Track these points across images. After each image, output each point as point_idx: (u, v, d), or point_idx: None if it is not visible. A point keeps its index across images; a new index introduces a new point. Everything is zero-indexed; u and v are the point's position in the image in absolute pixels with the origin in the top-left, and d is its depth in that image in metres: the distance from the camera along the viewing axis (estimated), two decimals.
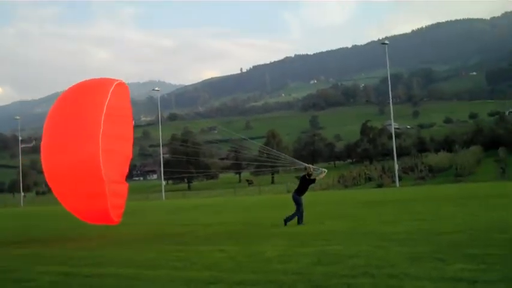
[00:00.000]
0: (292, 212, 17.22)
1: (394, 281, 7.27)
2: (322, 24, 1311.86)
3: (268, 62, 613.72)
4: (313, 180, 17.95)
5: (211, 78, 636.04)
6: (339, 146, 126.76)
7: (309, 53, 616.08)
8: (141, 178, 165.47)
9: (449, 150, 78.69)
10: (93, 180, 14.79)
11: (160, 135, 75.84)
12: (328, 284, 7.32)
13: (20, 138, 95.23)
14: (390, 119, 63.89)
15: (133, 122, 18.49)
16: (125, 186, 16.97)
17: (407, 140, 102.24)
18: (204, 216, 25.81)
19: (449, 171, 58.20)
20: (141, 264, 10.43)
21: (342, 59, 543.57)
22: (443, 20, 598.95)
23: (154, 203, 54.61)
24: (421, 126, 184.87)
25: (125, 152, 17.30)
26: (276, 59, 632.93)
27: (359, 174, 63.43)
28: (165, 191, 71.33)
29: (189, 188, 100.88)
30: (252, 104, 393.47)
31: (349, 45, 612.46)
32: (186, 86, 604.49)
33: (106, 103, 15.17)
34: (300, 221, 16.97)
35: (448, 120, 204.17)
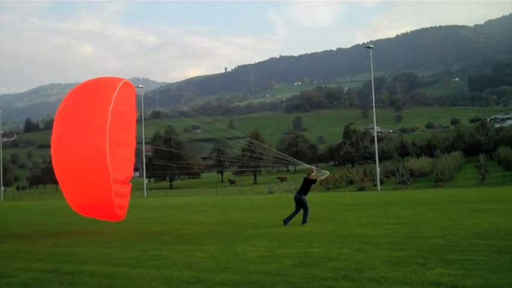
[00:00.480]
0: (291, 212, 17.41)
1: (374, 284, 7.31)
2: (308, 26, 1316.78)
3: (253, 62, 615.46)
4: (314, 181, 18.04)
5: (196, 77, 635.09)
6: (322, 148, 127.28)
7: (294, 55, 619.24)
8: None
9: (431, 155, 79.39)
10: (100, 174, 15.12)
11: (143, 132, 75.41)
12: (309, 287, 7.35)
13: (1, 132, 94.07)
14: (373, 123, 64.17)
15: (135, 126, 18.66)
16: (128, 186, 17.38)
17: (390, 144, 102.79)
18: (185, 215, 25.71)
19: (430, 176, 58.67)
20: (122, 262, 10.37)
21: (326, 62, 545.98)
22: (428, 26, 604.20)
23: (136, 201, 54.27)
24: (403, 131, 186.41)
25: (128, 156, 17.70)
26: (261, 60, 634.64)
27: (341, 177, 63.57)
28: (147, 189, 70.94)
29: (171, 186, 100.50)
30: (236, 104, 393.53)
31: (334, 48, 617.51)
32: (170, 84, 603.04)
33: (110, 110, 15.36)
34: (304, 220, 17.18)
35: (430, 125, 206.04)
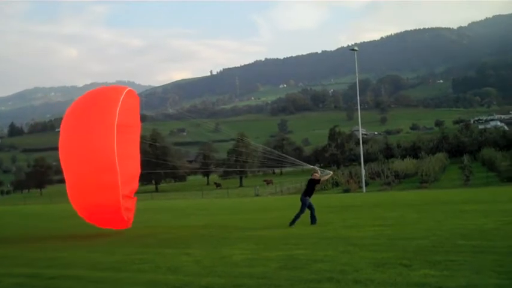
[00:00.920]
0: (296, 213, 17.51)
1: (358, 286, 7.32)
2: (293, 29, 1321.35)
3: (238, 65, 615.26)
4: (318, 181, 18.18)
5: (182, 80, 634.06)
6: (307, 150, 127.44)
7: (279, 57, 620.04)
8: None
9: (415, 156, 79.85)
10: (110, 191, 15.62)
11: None
12: None
13: None
14: (358, 125, 64.43)
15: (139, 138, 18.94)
16: (133, 201, 17.76)
17: (375, 146, 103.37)
18: (170, 218, 25.61)
19: (415, 177, 59.00)
20: (106, 266, 10.30)
21: (311, 64, 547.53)
22: (412, 29, 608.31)
23: None
24: (388, 133, 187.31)
25: (134, 169, 18.02)
26: (247, 62, 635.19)
27: (326, 179, 63.70)
28: None
29: (156, 189, 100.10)
30: (222, 107, 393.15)
31: (319, 51, 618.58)
32: (155, 87, 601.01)
33: (115, 124, 15.59)
34: (313, 221, 17.36)
35: (414, 127, 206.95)
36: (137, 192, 18.86)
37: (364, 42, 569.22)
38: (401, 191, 48.86)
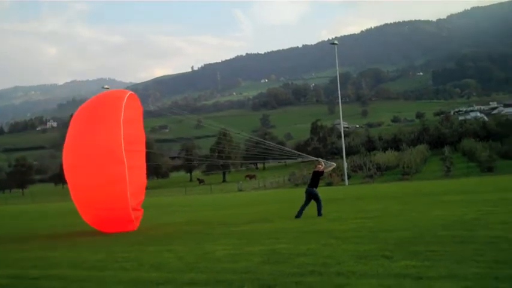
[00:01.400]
0: (301, 206, 17.71)
1: (341, 278, 7.37)
2: (274, 24, 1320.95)
3: (219, 61, 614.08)
4: (322, 173, 18.31)
5: (163, 76, 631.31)
6: (290, 144, 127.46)
7: (260, 52, 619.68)
8: None
9: (397, 148, 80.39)
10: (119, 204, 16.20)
11: None
12: (277, 283, 7.37)
13: None
14: (339, 118, 64.70)
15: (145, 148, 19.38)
16: (140, 212, 18.07)
17: (356, 139, 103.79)
18: (153, 215, 25.57)
19: (397, 169, 59.45)
20: (90, 265, 10.25)
21: (292, 59, 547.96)
22: (391, 22, 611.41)
23: None
24: (369, 125, 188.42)
25: (141, 180, 18.38)
26: (228, 58, 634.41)
27: (309, 173, 63.89)
28: None
29: None
30: (203, 103, 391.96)
31: (300, 45, 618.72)
32: (136, 84, 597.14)
33: (122, 138, 15.97)
34: (319, 213, 17.50)
35: (395, 120, 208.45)
36: None
37: (344, 35, 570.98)
38: (383, 183, 49.24)
